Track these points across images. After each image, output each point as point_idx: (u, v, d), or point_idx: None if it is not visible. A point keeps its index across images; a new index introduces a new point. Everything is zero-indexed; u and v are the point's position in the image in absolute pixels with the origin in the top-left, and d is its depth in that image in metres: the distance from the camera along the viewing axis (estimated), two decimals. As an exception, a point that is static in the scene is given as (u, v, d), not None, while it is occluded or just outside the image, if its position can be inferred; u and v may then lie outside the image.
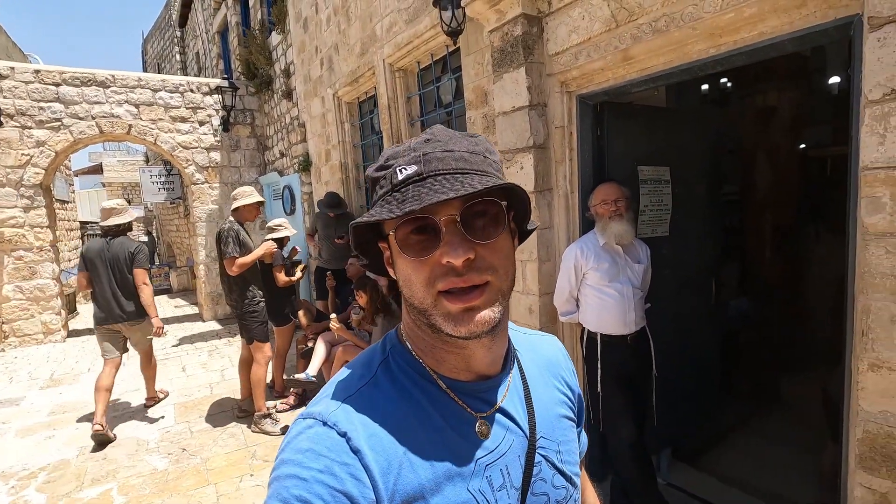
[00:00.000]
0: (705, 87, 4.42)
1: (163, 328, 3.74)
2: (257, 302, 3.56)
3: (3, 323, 6.35)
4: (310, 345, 4.06)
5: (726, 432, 3.17)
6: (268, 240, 3.76)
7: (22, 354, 6.09)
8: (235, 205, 3.56)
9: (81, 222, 14.44)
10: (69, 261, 11.03)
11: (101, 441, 3.47)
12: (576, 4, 2.29)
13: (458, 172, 0.53)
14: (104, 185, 21.47)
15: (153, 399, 4.24)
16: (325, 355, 3.68)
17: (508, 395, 0.63)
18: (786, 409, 3.48)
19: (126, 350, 3.93)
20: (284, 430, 3.48)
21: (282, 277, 3.74)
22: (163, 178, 9.90)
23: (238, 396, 3.98)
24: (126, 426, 3.81)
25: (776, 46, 1.75)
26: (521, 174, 2.56)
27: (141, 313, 3.76)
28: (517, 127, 2.56)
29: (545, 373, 0.71)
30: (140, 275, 3.68)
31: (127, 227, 3.86)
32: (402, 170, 0.54)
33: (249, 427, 3.61)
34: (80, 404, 4.31)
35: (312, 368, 3.64)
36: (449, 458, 0.55)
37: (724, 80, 4.36)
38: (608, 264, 2.28)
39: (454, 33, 2.98)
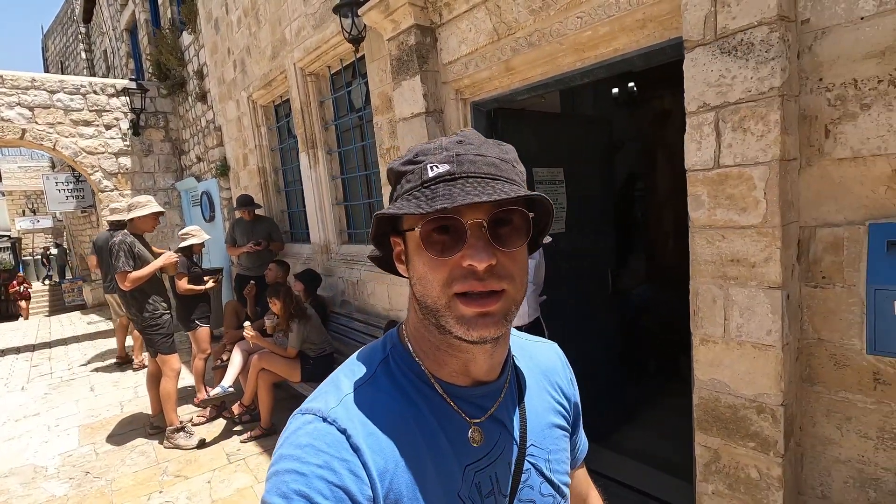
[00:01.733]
0: (616, 90, 4.74)
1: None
2: (160, 315, 3.42)
3: None
4: (225, 357, 3.95)
5: (631, 409, 3.44)
6: (179, 250, 3.65)
7: None
8: (130, 216, 3.39)
9: (-24, 235, 13.04)
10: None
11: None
12: (464, 17, 2.42)
13: (489, 177, 0.53)
14: (3, 194, 19.49)
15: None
16: (241, 364, 3.60)
17: (503, 402, 0.63)
18: (684, 384, 3.82)
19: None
20: (200, 443, 3.38)
21: (182, 285, 3.60)
22: (71, 185, 9.18)
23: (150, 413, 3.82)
24: (23, 453, 3.54)
25: (628, 61, 1.97)
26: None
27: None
28: (416, 133, 2.66)
29: (541, 380, 0.71)
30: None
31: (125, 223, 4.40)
32: (434, 167, 0.53)
33: (161, 443, 3.47)
34: (-30, 435, 3.95)
35: (228, 379, 3.56)
36: (440, 463, 0.56)
37: (630, 84, 4.70)
38: (502, 261, 2.42)
39: (356, 41, 3.04)
